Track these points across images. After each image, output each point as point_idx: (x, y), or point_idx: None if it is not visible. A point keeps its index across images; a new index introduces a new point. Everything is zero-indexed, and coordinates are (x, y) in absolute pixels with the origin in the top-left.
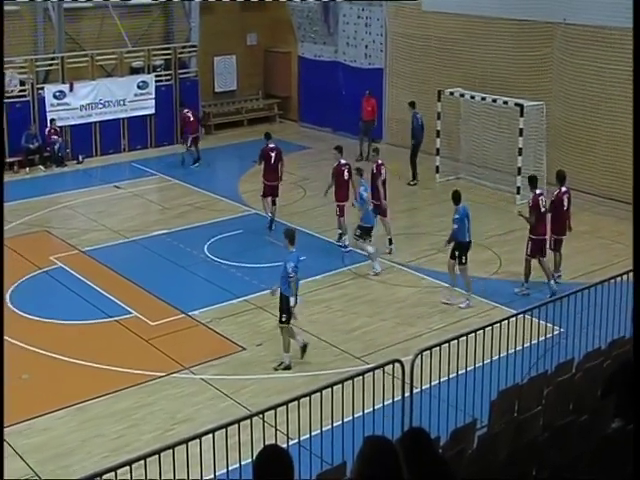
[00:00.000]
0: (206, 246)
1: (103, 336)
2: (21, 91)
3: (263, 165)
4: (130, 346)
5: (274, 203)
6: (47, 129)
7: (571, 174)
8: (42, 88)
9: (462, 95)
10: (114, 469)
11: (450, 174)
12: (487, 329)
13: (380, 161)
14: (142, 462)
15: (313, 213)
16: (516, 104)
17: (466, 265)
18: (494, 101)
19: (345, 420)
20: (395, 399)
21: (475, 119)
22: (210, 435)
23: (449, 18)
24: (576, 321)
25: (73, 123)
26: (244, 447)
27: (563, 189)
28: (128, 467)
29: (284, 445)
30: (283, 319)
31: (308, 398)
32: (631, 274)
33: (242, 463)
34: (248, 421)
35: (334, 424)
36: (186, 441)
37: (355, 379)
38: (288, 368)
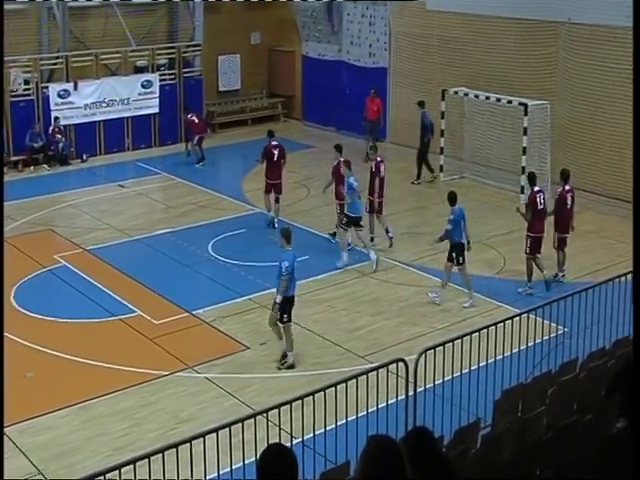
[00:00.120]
0: (210, 245)
1: (107, 335)
2: (25, 90)
3: (265, 163)
4: (134, 345)
5: (277, 201)
6: (51, 128)
7: (575, 173)
8: (46, 87)
9: (466, 94)
10: (118, 468)
11: (454, 173)
12: (491, 328)
13: (379, 158)
14: (146, 461)
15: (317, 212)
16: (520, 103)
17: (464, 265)
18: (498, 100)
19: (349, 419)
20: (399, 398)
21: (479, 118)
22: (214, 434)
23: (453, 17)
24: (580, 321)
25: (77, 122)
26: (248, 446)
27: (567, 187)
28: (132, 466)
29: (288, 444)
30: (284, 319)
31: (312, 397)
32: None
33: (246, 462)
34: (252, 420)
35: (338, 423)
36: (190, 440)
37: (359, 378)
38: (292, 367)
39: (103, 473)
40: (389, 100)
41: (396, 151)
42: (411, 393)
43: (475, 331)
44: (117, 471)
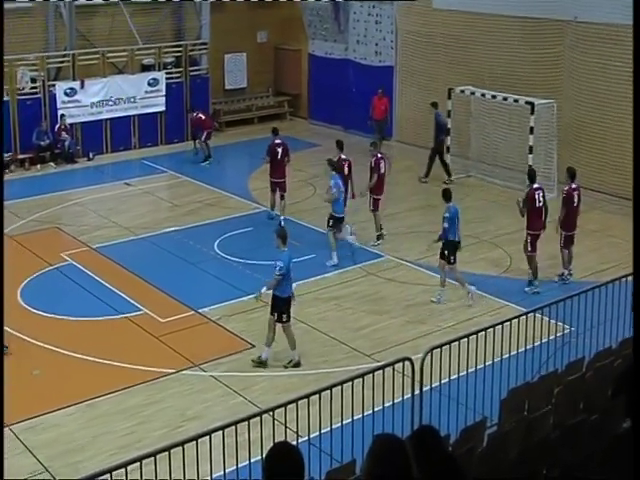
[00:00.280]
0: (216, 243)
1: (113, 333)
2: (32, 88)
3: (269, 161)
4: (140, 343)
5: (282, 198)
6: (57, 126)
7: (582, 172)
8: (53, 85)
9: (473, 93)
10: (124, 465)
11: (461, 172)
12: (497, 327)
13: (380, 155)
14: (152, 459)
15: (322, 211)
16: (527, 102)
17: (455, 265)
18: (505, 99)
19: (355, 418)
20: (405, 397)
21: (485, 117)
22: (220, 432)
23: (460, 16)
24: (586, 320)
25: (84, 120)
26: (254, 445)
27: (573, 185)
28: (138, 464)
29: (294, 443)
30: (283, 319)
31: (318, 396)
32: None
33: (252, 461)
34: (258, 418)
35: (344, 422)
36: (196, 438)
37: (365, 377)
38: (297, 365)
39: (109, 471)
40: (395, 99)
41: (402, 149)
42: (417, 392)
43: (481, 330)
44: (123, 469)
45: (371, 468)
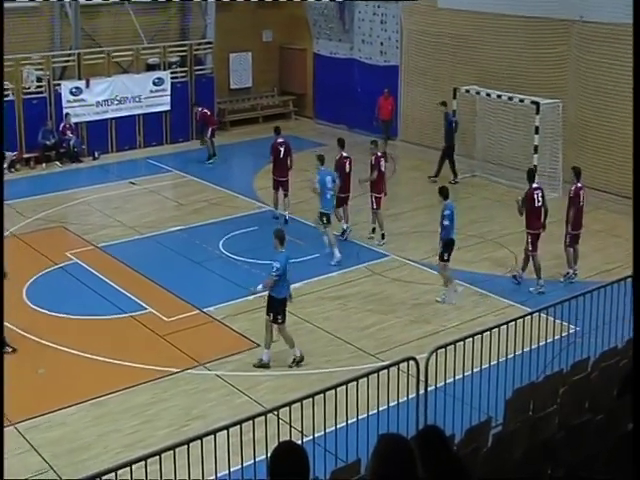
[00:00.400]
0: (221, 242)
1: (118, 332)
2: (38, 87)
3: (272, 160)
4: (145, 342)
5: (286, 196)
6: (62, 125)
7: (587, 172)
8: (59, 84)
9: (478, 93)
10: (129, 464)
11: (466, 172)
12: (502, 327)
13: (379, 153)
14: (157, 458)
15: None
16: (532, 102)
17: (447, 263)
18: (510, 99)
19: (360, 417)
20: (410, 397)
21: (491, 117)
22: (224, 431)
23: (465, 15)
24: (592, 320)
25: (89, 119)
26: (258, 444)
27: (579, 185)
28: (143, 462)
29: (298, 442)
30: (279, 320)
31: (323, 395)
32: None
33: (256, 460)
34: (262, 418)
35: (349, 421)
36: (201, 437)
37: (370, 376)
38: (301, 360)
39: (114, 470)
40: (400, 98)
41: (407, 149)
42: (422, 392)
43: (486, 330)
44: (128, 468)
45: (376, 468)
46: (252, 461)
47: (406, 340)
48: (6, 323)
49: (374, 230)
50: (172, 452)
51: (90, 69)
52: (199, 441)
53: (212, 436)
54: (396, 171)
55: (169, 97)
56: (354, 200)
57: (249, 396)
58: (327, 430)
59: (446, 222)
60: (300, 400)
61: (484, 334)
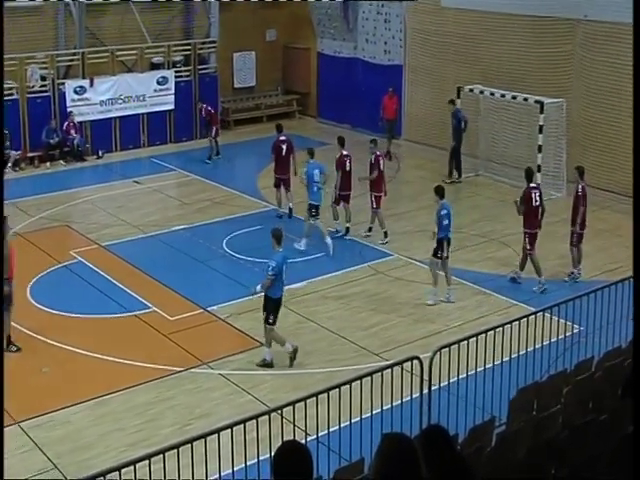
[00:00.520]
0: (225, 241)
1: (122, 330)
2: (42, 86)
3: (274, 158)
4: (149, 341)
5: (287, 191)
6: (65, 123)
7: (591, 171)
8: (63, 83)
9: (482, 92)
10: (133, 463)
11: (469, 171)
12: (506, 327)
13: (379, 152)
14: (161, 456)
15: (331, 209)
16: (536, 101)
17: (439, 261)
18: (514, 98)
19: (363, 417)
20: (413, 396)
21: (494, 116)
22: (228, 430)
23: (469, 14)
24: (596, 319)
25: (93, 118)
26: (262, 443)
27: (583, 184)
28: (147, 461)
29: (302, 441)
30: (270, 320)
31: (326, 394)
32: None
33: (260, 459)
34: (266, 417)
35: (352, 420)
36: (204, 436)
37: (373, 376)
38: (296, 351)
39: (118, 469)
40: (404, 97)
41: (411, 148)
42: (426, 391)
43: (490, 329)
44: (132, 466)
45: (379, 467)
46: (256, 460)
47: (410, 339)
48: (10, 322)
49: (371, 229)
50: (176, 451)
51: (94, 68)
52: (203, 440)
53: (216, 435)
54: (400, 170)
55: (173, 96)
56: (355, 199)
57: (253, 395)
58: (331, 429)
59: (446, 221)
60: (304, 399)
61: (488, 333)
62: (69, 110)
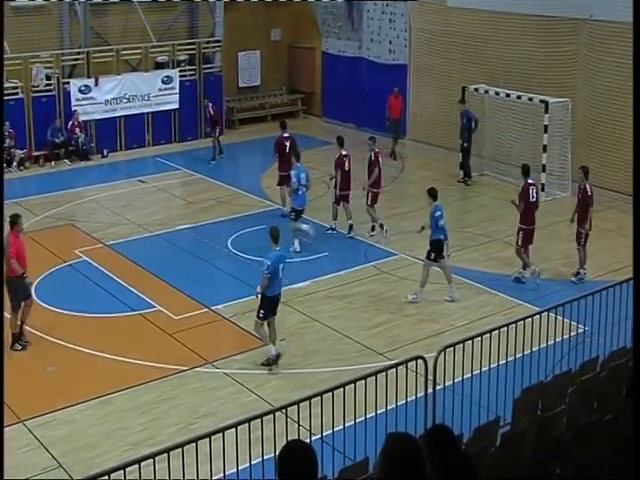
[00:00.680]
0: (230, 241)
1: (127, 329)
2: (47, 85)
3: (277, 155)
4: (154, 340)
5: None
6: (70, 122)
7: (596, 171)
8: (68, 82)
9: (487, 91)
10: (137, 462)
11: (474, 171)
12: (511, 326)
13: (377, 149)
14: (165, 455)
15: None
16: (541, 101)
17: (433, 263)
18: (519, 98)
19: (368, 416)
20: (418, 396)
21: (499, 115)
22: (233, 429)
23: (474, 14)
24: (601, 319)
25: (98, 117)
26: (267, 442)
27: (589, 184)
28: (151, 460)
29: (307, 441)
30: (260, 315)
31: (331, 394)
32: None
33: (265, 458)
34: (271, 416)
35: (357, 420)
36: (209, 435)
37: (378, 375)
38: (275, 361)
39: (123, 467)
40: (409, 97)
41: (415, 148)
42: (430, 391)
43: (495, 329)
44: (136, 465)
45: (384, 467)
46: (260, 459)
47: (414, 339)
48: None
49: (374, 228)
50: (180, 450)
51: (99, 67)
52: (207, 439)
53: (220, 434)
54: (404, 170)
55: (178, 95)
56: (359, 199)
57: (257, 394)
58: (335, 429)
59: (441, 222)
60: (308, 398)
61: (492, 333)
62: (74, 109)
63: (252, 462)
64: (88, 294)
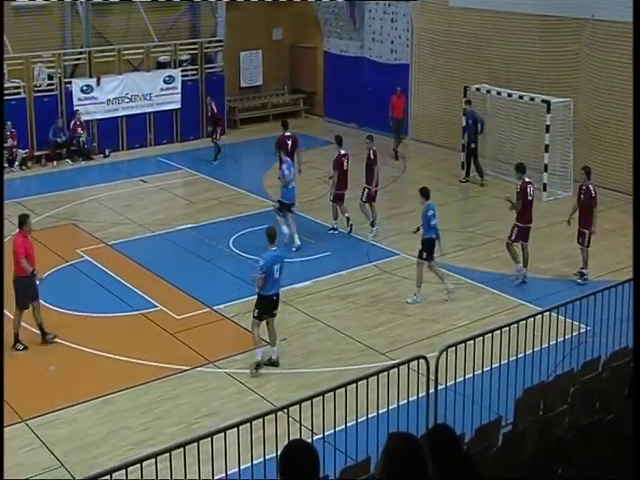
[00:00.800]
0: (231, 240)
1: (128, 329)
2: (49, 85)
3: (279, 153)
4: (155, 339)
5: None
6: (72, 122)
7: (598, 171)
8: (70, 82)
9: (488, 91)
10: (139, 461)
11: (474, 171)
12: (513, 326)
13: (374, 148)
14: (167, 455)
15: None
16: (543, 100)
17: (426, 263)
18: (520, 97)
19: (369, 416)
20: (419, 395)
21: (501, 115)
22: (234, 429)
23: (476, 13)
24: (603, 319)
25: (100, 117)
26: (268, 442)
27: (591, 184)
28: (153, 460)
29: (308, 440)
30: (254, 314)
31: (333, 393)
32: None
33: (266, 457)
34: (273, 416)
35: (358, 420)
36: (211, 435)
37: (379, 375)
38: (259, 366)
39: (124, 467)
40: (411, 97)
41: (418, 148)
42: (432, 390)
43: (497, 329)
44: (138, 465)
45: (386, 466)
46: (262, 459)
47: (416, 339)
48: (12, 317)
49: (373, 223)
50: (182, 450)
51: (101, 67)
52: (209, 439)
53: (222, 434)
54: (406, 170)
55: (179, 95)
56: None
57: (259, 394)
58: (337, 428)
59: (433, 222)
60: (310, 398)
61: (494, 333)
62: (76, 109)
63: (254, 462)
64: (90, 294)
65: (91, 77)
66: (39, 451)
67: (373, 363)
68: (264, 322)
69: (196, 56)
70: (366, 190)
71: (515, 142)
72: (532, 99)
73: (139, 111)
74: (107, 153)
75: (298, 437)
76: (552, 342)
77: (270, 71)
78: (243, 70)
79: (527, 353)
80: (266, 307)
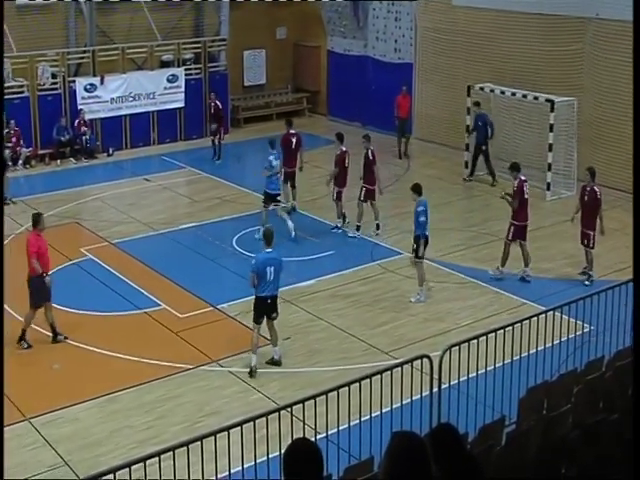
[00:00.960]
0: (235, 239)
1: (132, 328)
2: (53, 84)
3: (283, 152)
4: (159, 338)
5: (293, 187)
6: (76, 121)
7: (602, 171)
8: (73, 81)
9: (492, 90)
10: (143, 460)
11: (479, 169)
12: (516, 325)
13: (372, 148)
14: (170, 453)
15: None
16: (547, 100)
17: (422, 260)
18: (524, 97)
19: (373, 415)
20: (423, 395)
21: (505, 114)
22: (238, 428)
23: (479, 12)
24: (606, 319)
25: (103, 116)
26: (272, 441)
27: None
28: (157, 458)
29: (312, 439)
30: (253, 317)
31: (336, 392)
32: None
33: (270, 456)
34: (276, 414)
35: (362, 419)
36: (214, 433)
37: (383, 374)
38: (252, 371)
39: (128, 465)
40: (415, 96)
41: (421, 147)
42: (435, 389)
43: (500, 328)
44: (142, 463)
45: (389, 466)
46: (265, 458)
47: (419, 338)
48: (21, 319)
49: (378, 226)
50: (185, 448)
51: (104, 66)
52: (212, 438)
53: (225, 433)
54: (410, 168)
55: (183, 94)
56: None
57: (262, 393)
58: (340, 427)
59: (422, 218)
60: (313, 397)
61: (498, 332)
62: (79, 108)
63: (257, 461)
64: (93, 292)
65: (95, 76)
66: (43, 449)
67: (377, 362)
68: (266, 323)
69: (200, 55)
70: (364, 189)
71: (519, 141)
72: (536, 98)
73: (143, 110)
74: (111, 152)
75: (302, 436)
76: (556, 341)
77: (274, 70)
78: (247, 69)
79: (530, 352)
80: (261, 309)
